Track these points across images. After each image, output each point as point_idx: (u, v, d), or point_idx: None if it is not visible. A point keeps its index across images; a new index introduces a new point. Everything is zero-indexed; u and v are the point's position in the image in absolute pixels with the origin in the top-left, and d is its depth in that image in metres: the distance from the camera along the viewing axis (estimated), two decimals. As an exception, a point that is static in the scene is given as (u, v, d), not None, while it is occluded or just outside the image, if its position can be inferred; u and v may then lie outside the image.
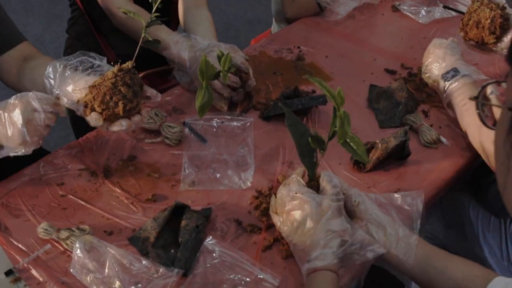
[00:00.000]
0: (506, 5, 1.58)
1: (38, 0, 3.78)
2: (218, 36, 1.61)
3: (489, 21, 1.54)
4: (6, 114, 1.12)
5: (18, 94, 1.14)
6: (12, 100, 1.13)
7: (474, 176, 1.59)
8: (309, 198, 1.01)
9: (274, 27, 2.21)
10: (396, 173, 1.30)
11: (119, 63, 1.17)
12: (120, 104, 1.13)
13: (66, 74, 1.20)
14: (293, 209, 1.03)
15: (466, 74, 1.38)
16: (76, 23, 1.84)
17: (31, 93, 1.14)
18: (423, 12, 1.91)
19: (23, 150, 1.14)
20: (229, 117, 1.41)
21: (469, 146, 1.35)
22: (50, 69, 1.22)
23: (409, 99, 1.48)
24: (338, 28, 1.86)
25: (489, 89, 1.22)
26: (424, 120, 1.43)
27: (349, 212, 1.07)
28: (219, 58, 1.35)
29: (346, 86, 1.57)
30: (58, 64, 1.22)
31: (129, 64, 1.17)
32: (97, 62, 1.24)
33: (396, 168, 1.31)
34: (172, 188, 1.24)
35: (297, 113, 1.42)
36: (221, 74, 1.31)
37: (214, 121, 1.40)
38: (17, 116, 1.11)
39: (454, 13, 1.90)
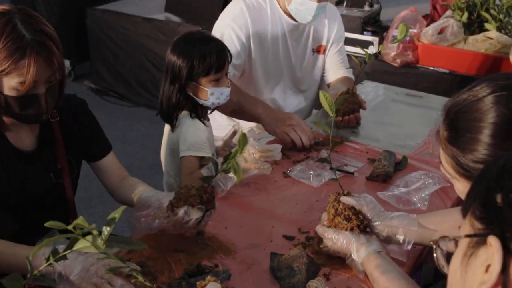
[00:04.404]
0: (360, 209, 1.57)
1: None
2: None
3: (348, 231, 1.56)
4: None
5: None
6: None
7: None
8: None
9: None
10: None
11: None
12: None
13: None
14: None
15: None
16: None
17: None
18: (312, 176, 2.01)
19: None
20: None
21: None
22: None
23: (310, 264, 1.52)
24: (234, 197, 1.91)
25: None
26: (326, 284, 1.46)
27: None
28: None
29: (249, 256, 1.60)
30: None
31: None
32: None
33: (305, 338, 1.31)
34: None
35: (203, 292, 1.41)
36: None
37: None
38: None
39: (341, 174, 2.02)
